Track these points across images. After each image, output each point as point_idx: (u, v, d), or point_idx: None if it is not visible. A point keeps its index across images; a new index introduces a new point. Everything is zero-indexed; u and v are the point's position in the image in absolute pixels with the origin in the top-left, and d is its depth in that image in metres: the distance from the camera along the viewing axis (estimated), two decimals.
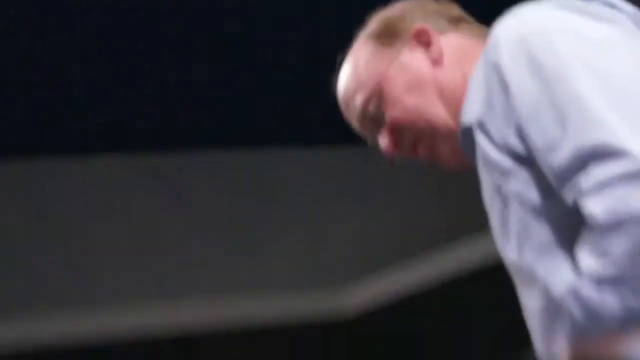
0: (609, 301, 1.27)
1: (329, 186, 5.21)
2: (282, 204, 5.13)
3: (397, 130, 1.64)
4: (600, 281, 1.27)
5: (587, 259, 1.29)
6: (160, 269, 4.91)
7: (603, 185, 1.27)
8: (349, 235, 5.14)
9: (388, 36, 1.66)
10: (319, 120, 4.70)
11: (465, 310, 4.58)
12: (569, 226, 1.37)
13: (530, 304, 1.44)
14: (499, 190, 1.46)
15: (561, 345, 1.36)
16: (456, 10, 1.71)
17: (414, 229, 5.11)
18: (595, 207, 1.28)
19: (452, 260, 4.73)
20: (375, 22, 1.70)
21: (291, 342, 4.94)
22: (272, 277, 5.02)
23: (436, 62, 1.62)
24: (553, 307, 1.38)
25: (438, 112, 1.60)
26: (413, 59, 1.63)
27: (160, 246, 4.94)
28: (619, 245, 1.25)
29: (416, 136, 1.63)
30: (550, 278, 1.38)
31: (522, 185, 1.41)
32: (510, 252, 1.46)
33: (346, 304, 5.05)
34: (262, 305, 4.98)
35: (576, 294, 1.31)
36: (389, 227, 5.15)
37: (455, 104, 1.58)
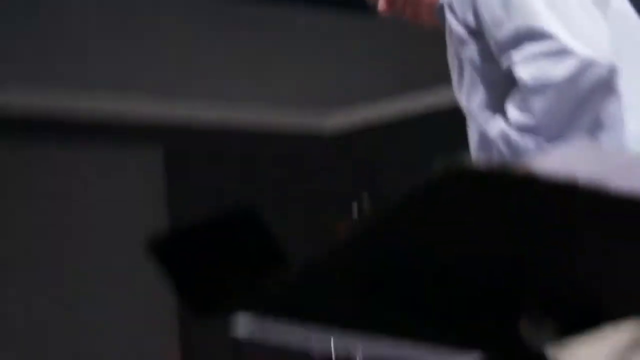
0: (529, 143, 1.82)
1: (328, 39, 5.72)
2: (288, 47, 5.61)
3: None
4: (524, 128, 1.82)
5: (514, 111, 1.83)
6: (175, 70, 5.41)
7: (531, 58, 1.80)
8: (339, 73, 5.83)
9: None
10: None
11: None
12: (503, 86, 1.89)
13: (472, 136, 2.02)
14: (457, 54, 2.00)
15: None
16: None
17: (392, 73, 5.80)
18: (524, 73, 1.80)
19: (420, 100, 5.49)
20: None
21: (280, 147, 5.65)
22: (272, 95, 5.70)
23: None
24: (485, 142, 1.94)
25: None
26: None
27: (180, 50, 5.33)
28: (539, 103, 1.78)
29: (405, 2, 2.16)
30: (487, 123, 1.93)
31: (473, 52, 1.95)
32: (463, 99, 2.02)
33: (331, 124, 5.74)
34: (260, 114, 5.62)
35: (505, 137, 1.85)
36: (374, 70, 5.82)
37: None
